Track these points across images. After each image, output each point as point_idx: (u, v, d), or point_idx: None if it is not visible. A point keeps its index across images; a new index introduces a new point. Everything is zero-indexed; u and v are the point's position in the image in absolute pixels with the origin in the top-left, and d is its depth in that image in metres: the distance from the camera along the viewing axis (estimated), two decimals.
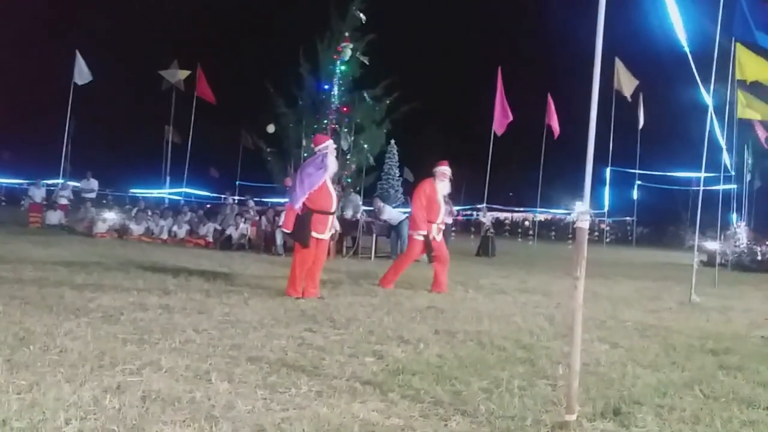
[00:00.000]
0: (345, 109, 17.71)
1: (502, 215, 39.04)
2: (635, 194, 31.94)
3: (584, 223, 3.42)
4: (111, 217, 16.75)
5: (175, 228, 16.00)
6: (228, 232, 15.15)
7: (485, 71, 26.44)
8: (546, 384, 4.02)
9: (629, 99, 27.22)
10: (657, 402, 3.75)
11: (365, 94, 17.84)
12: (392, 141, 27.58)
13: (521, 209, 39.34)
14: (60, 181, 21.56)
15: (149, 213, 16.94)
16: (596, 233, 29.37)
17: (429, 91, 41.55)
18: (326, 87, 17.66)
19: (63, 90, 22.21)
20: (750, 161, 25.22)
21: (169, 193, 27.43)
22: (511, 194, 43.66)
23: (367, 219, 15.23)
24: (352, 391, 3.60)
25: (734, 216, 21.71)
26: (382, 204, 15.46)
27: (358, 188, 18.86)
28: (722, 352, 5.33)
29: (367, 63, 17.78)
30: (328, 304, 6.78)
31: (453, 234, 20.20)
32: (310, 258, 7.21)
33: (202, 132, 27.49)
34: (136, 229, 15.92)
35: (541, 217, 36.94)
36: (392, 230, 14.42)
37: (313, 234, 7.13)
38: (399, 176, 30.26)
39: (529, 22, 55.13)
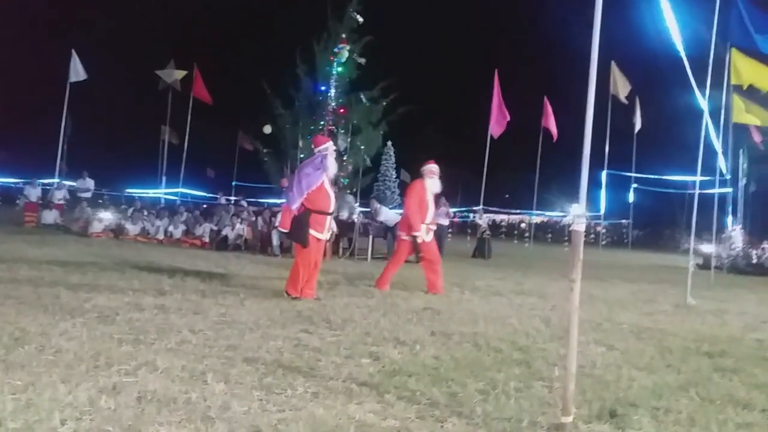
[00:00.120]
0: (342, 110, 17.71)
1: (498, 217, 39.12)
2: (631, 197, 32.03)
3: (580, 226, 3.43)
4: (107, 216, 16.70)
5: (171, 228, 15.96)
6: (224, 232, 15.13)
7: (482, 73, 26.56)
8: (542, 386, 4.02)
9: (626, 102, 27.32)
10: (653, 404, 3.76)
11: (362, 96, 17.85)
12: (389, 143, 27.65)
13: (518, 211, 39.42)
14: (56, 180, 21.51)
15: (145, 213, 16.90)
16: (592, 236, 29.42)
17: (426, 93, 41.63)
18: (323, 88, 17.66)
19: (59, 89, 22.21)
20: (745, 165, 25.30)
21: (166, 193, 27.39)
22: (507, 196, 43.73)
23: (364, 220, 15.23)
24: (348, 393, 3.61)
25: (729, 219, 21.78)
26: (378, 205, 15.46)
27: (354, 189, 18.86)
28: (718, 354, 5.35)
29: (364, 64, 17.79)
30: (324, 305, 6.77)
31: (449, 235, 20.20)
32: (313, 257, 7.20)
33: (198, 132, 27.46)
34: (132, 229, 15.88)
35: (537, 219, 36.99)
36: (388, 231, 14.41)
37: (312, 233, 7.12)
38: (396, 178, 30.32)
39: (526, 26, 55.30)
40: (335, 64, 17.29)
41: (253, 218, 15.81)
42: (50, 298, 6.01)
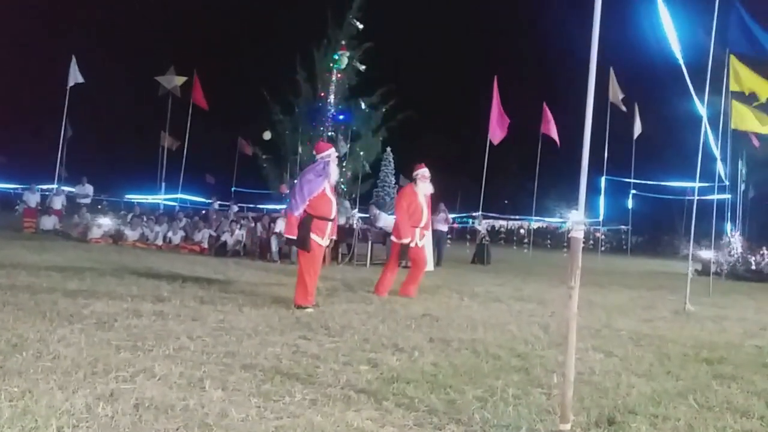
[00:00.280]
0: (341, 116, 17.73)
1: (497, 223, 39.12)
2: (630, 203, 32.05)
3: (579, 233, 3.43)
4: (106, 222, 16.72)
5: (170, 234, 15.97)
6: (223, 238, 15.13)
7: (481, 80, 26.57)
8: (540, 393, 4.02)
9: (624, 109, 27.36)
10: (651, 411, 3.75)
11: (361, 102, 17.88)
12: (388, 149, 27.61)
13: (517, 217, 39.42)
14: (55, 186, 21.52)
15: (144, 219, 16.91)
16: (591, 242, 29.41)
17: (425, 100, 41.71)
18: (322, 94, 17.69)
19: (59, 95, 22.26)
20: (744, 171, 25.33)
21: (165, 199, 27.39)
22: (506, 202, 43.73)
23: (363, 226, 15.23)
24: (346, 400, 3.60)
25: (728, 225, 21.79)
26: (377, 211, 15.49)
27: (354, 195, 18.86)
28: (716, 361, 5.34)
29: (363, 71, 17.83)
30: (323, 311, 6.76)
31: (448, 241, 20.20)
32: (316, 262, 7.16)
33: (198, 138, 27.48)
34: (131, 234, 15.89)
35: (536, 225, 37.00)
36: (388, 237, 14.41)
37: (313, 238, 7.10)
38: (395, 184, 30.25)
39: (525, 32, 55.38)
40: (335, 70, 17.33)
41: (252, 224, 15.81)
42: (48, 304, 6.00)
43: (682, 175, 25.68)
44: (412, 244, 8.72)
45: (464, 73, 52.32)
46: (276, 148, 19.15)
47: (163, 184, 28.31)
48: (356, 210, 17.36)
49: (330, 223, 7.31)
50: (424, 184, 8.99)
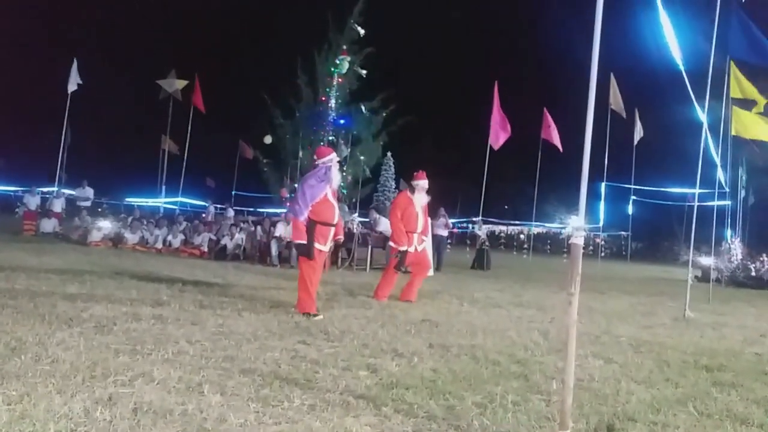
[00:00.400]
0: (342, 121, 17.78)
1: (497, 228, 39.13)
2: (630, 209, 32.07)
3: (579, 239, 3.43)
4: (106, 225, 16.70)
5: (169, 237, 15.96)
6: (223, 242, 15.13)
7: (482, 85, 26.63)
8: (540, 399, 4.01)
9: (624, 117, 27.41)
10: (651, 419, 3.74)
11: (362, 107, 17.93)
12: (389, 153, 27.70)
13: (517, 222, 39.44)
14: (55, 189, 21.53)
15: (144, 222, 16.91)
16: (591, 248, 29.43)
17: (426, 105, 41.83)
18: (323, 99, 17.74)
19: (59, 98, 22.31)
20: (744, 177, 25.36)
21: (165, 203, 27.41)
22: (506, 207, 43.81)
23: (363, 230, 15.24)
24: (345, 405, 3.59)
25: (729, 232, 21.79)
26: (377, 215, 15.49)
27: (354, 200, 18.89)
28: (716, 368, 5.34)
29: (364, 76, 17.89)
30: (322, 316, 6.75)
31: (448, 247, 20.20)
32: (317, 269, 7.12)
33: (198, 142, 27.54)
34: (131, 238, 15.88)
35: (536, 230, 37.00)
36: (387, 242, 14.42)
37: (315, 245, 7.08)
38: (395, 188, 30.32)
39: (526, 38, 55.55)
40: (336, 75, 17.37)
41: (252, 228, 15.81)
42: (47, 307, 5.99)
43: (682, 181, 25.73)
44: (411, 249, 8.74)
45: (465, 78, 52.49)
46: (276, 152, 19.21)
47: (164, 187, 28.36)
48: (356, 214, 17.37)
49: (332, 228, 7.30)
50: (420, 195, 8.99)
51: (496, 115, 21.33)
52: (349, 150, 17.81)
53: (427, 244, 9.19)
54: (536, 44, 54.74)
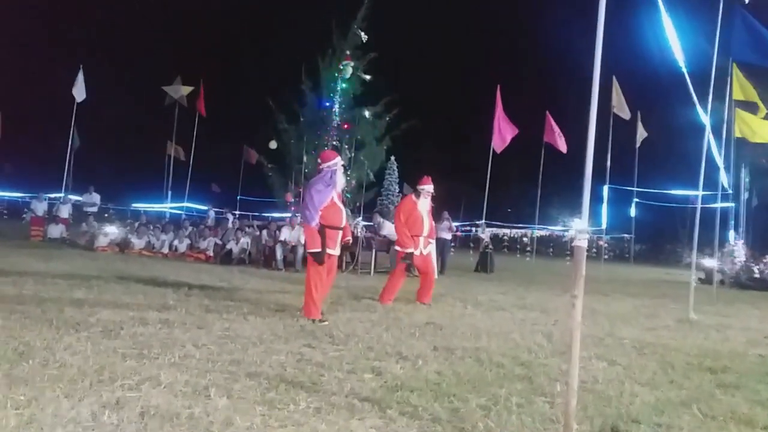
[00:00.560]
0: (346, 125, 17.82)
1: (500, 231, 39.06)
2: (633, 212, 31.99)
3: (583, 242, 3.44)
4: (112, 231, 16.76)
5: (175, 242, 16.02)
6: (228, 246, 15.17)
7: (485, 88, 26.62)
8: (544, 401, 4.02)
9: (626, 118, 27.36)
10: (655, 420, 3.75)
11: (366, 111, 17.97)
12: (392, 157, 27.72)
13: (520, 225, 39.37)
14: (62, 194, 21.62)
15: (151, 227, 16.96)
16: (594, 250, 29.36)
17: (429, 108, 41.89)
18: (327, 104, 17.78)
19: (66, 104, 22.42)
20: (747, 180, 25.29)
21: (171, 208, 27.49)
22: (509, 210, 43.71)
23: (367, 234, 15.26)
24: (350, 408, 3.61)
25: (732, 234, 21.73)
26: (381, 219, 15.50)
27: (358, 204, 18.91)
28: (720, 370, 5.34)
29: (368, 80, 17.93)
30: (327, 322, 6.76)
31: (452, 250, 20.19)
32: (325, 275, 7.07)
33: (204, 147, 27.65)
34: (138, 243, 15.94)
35: (539, 233, 36.95)
36: (391, 245, 14.43)
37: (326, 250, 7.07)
38: (399, 192, 30.38)
39: (529, 41, 55.57)
40: (339, 80, 17.43)
41: (257, 232, 15.85)
42: (55, 312, 6.03)
43: (685, 183, 25.67)
44: (417, 253, 8.78)
45: (467, 81, 52.54)
46: (281, 157, 19.27)
47: (170, 192, 28.44)
48: (360, 218, 17.39)
49: (340, 231, 7.31)
50: (426, 200, 9.05)
51: (499, 118, 21.35)
52: (353, 154, 17.84)
53: (432, 248, 9.21)
54: (538, 47, 54.80)
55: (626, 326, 7.80)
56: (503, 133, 21.46)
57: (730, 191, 15.92)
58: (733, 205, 21.21)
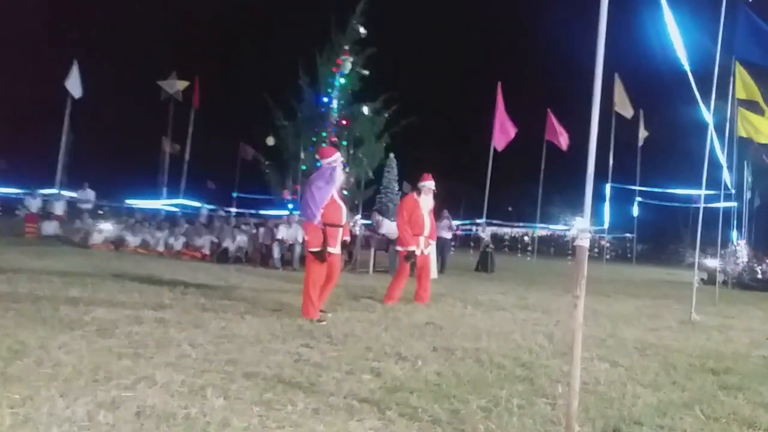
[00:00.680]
0: (344, 122, 17.75)
1: (501, 230, 39.06)
2: (635, 211, 31.97)
3: (585, 241, 3.39)
4: (107, 228, 16.70)
5: (171, 240, 15.96)
6: (225, 244, 15.12)
7: (486, 86, 26.57)
8: (545, 403, 3.98)
9: (628, 117, 27.35)
10: (657, 422, 3.71)
11: (364, 108, 17.89)
12: (391, 155, 27.67)
13: (521, 225, 39.36)
14: (56, 191, 21.54)
15: (146, 224, 16.91)
16: (596, 250, 29.37)
17: (429, 105, 41.87)
18: (325, 100, 17.71)
19: (60, 99, 22.33)
20: (750, 179, 25.26)
21: (166, 205, 27.42)
22: (510, 209, 43.70)
23: (366, 233, 15.21)
24: (349, 409, 3.57)
25: (734, 234, 21.69)
26: (380, 218, 15.46)
27: (357, 202, 18.85)
28: (723, 371, 5.30)
29: (367, 76, 17.85)
30: (326, 322, 6.71)
31: (452, 249, 20.16)
32: (324, 274, 6.99)
33: (200, 143, 27.59)
34: (133, 240, 15.89)
35: (540, 232, 36.94)
36: (390, 244, 14.39)
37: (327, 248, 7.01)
38: (398, 190, 30.32)
39: (530, 38, 55.56)
40: (338, 75, 17.35)
41: (254, 231, 15.79)
42: (49, 310, 5.98)
43: (687, 182, 25.64)
44: (418, 252, 8.73)
45: (468, 78, 52.53)
46: (278, 153, 19.18)
47: (165, 189, 28.38)
48: (359, 216, 17.33)
49: (340, 229, 7.25)
50: (427, 197, 9.00)
51: (500, 116, 21.30)
52: (351, 151, 17.77)
53: (431, 249, 9.17)
54: (540, 44, 54.77)
55: (628, 327, 7.75)
56: (504, 131, 21.40)
57: (733, 191, 15.85)
58: (735, 204, 21.15)
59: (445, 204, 17.47)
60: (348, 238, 7.76)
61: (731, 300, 12.78)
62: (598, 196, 24.68)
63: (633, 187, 30.23)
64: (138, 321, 5.79)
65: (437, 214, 14.70)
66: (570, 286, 3.56)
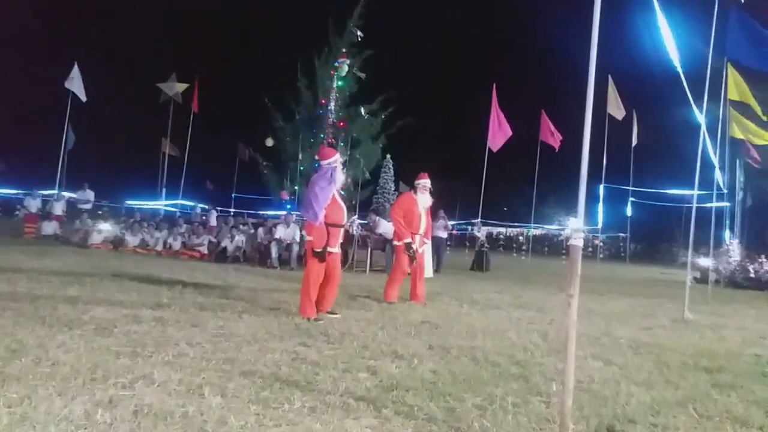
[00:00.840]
0: (341, 123, 17.79)
1: (496, 230, 39.14)
2: (629, 211, 32.08)
3: (578, 241, 3.43)
4: (106, 228, 16.68)
5: (170, 240, 15.96)
6: (223, 244, 15.12)
7: (481, 87, 26.65)
8: (540, 401, 4.01)
9: (621, 118, 27.45)
10: (651, 420, 3.75)
11: (361, 109, 17.94)
12: (388, 155, 27.72)
13: (516, 224, 39.44)
14: (56, 191, 21.51)
15: (145, 224, 16.90)
16: (590, 249, 29.44)
17: (425, 107, 41.90)
18: (323, 101, 17.75)
19: (60, 100, 22.31)
20: (742, 179, 25.35)
21: (165, 205, 27.41)
22: (505, 209, 43.76)
23: (362, 233, 15.23)
24: (345, 407, 3.59)
25: (727, 233, 21.78)
26: (377, 218, 15.48)
27: (354, 202, 18.89)
28: (716, 370, 5.34)
29: (364, 78, 17.90)
30: (323, 320, 6.74)
31: (448, 248, 20.20)
32: (322, 274, 6.98)
33: (199, 144, 27.57)
34: (132, 240, 15.88)
35: (535, 232, 37.01)
36: (387, 244, 14.43)
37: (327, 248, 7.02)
38: (395, 190, 30.39)
39: (525, 40, 55.61)
40: (335, 78, 17.39)
41: (252, 230, 15.81)
42: (48, 309, 6.00)
43: (680, 182, 25.74)
44: (414, 246, 8.76)
45: (463, 79, 52.58)
46: (277, 154, 19.23)
47: (164, 189, 28.36)
48: (356, 216, 17.36)
49: (341, 229, 7.27)
50: (423, 195, 9.04)
51: (495, 117, 21.35)
52: (348, 152, 17.81)
53: (426, 248, 9.21)
54: (534, 46, 54.87)
55: (622, 326, 7.80)
56: (499, 131, 21.45)
57: (725, 191, 15.93)
58: (728, 204, 21.25)
59: (440, 204, 17.50)
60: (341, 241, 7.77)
61: (724, 299, 12.85)
62: (592, 196, 24.81)
63: (626, 188, 30.35)
64: (136, 320, 5.81)
65: (433, 213, 14.75)
66: (564, 285, 3.60)
